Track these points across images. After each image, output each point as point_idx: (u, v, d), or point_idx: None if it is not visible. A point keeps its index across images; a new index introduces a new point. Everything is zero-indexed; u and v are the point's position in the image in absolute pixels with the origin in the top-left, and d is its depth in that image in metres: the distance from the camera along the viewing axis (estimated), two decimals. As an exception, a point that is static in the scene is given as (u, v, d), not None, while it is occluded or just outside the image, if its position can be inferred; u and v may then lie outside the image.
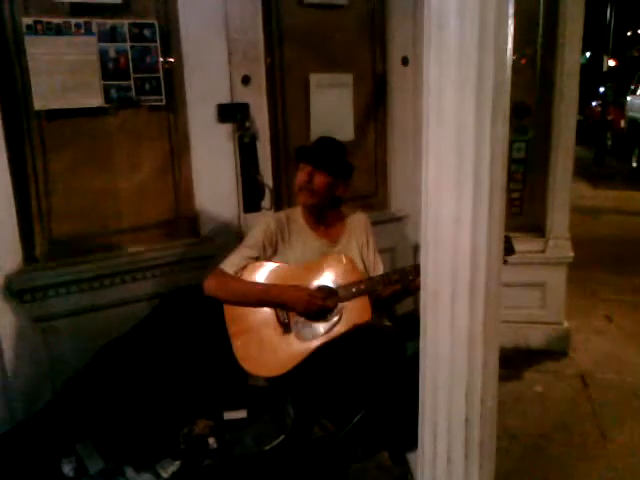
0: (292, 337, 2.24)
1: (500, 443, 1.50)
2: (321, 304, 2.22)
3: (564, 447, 2.51)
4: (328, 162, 2.30)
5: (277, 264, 2.32)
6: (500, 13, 1.19)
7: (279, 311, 2.26)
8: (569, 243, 3.28)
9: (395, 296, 2.40)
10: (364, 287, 2.23)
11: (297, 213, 2.41)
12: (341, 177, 2.34)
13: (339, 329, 2.21)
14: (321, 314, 2.23)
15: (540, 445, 2.52)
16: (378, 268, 2.44)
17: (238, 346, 2.25)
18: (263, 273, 2.30)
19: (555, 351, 3.36)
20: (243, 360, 2.23)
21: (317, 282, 2.27)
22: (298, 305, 2.22)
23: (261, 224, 2.40)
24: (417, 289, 2.25)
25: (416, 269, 2.23)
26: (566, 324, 3.40)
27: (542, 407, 2.84)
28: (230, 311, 2.29)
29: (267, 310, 2.27)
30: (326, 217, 2.41)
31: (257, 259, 2.31)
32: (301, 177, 2.31)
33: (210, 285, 2.29)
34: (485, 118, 1.23)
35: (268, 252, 2.32)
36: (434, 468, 1.46)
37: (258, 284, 2.27)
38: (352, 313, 2.22)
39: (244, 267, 2.28)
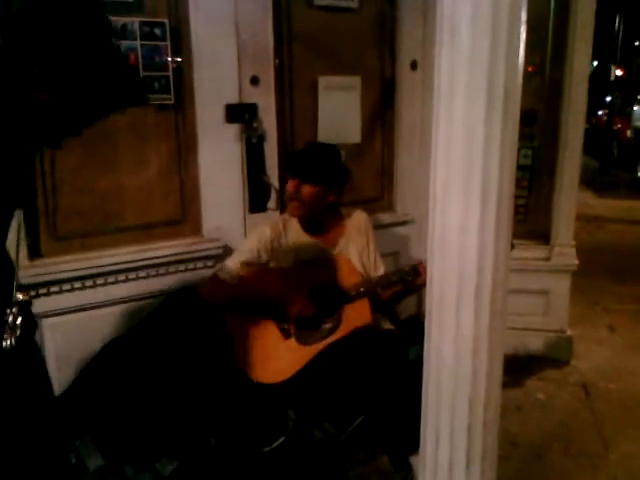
0: (293, 342, 2.23)
1: (501, 450, 1.49)
2: (314, 310, 2.21)
3: (565, 456, 2.50)
4: (315, 173, 2.27)
5: (275, 268, 2.31)
6: (513, 20, 1.18)
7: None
8: (574, 251, 3.28)
9: (396, 296, 2.40)
10: (363, 289, 2.22)
11: (294, 217, 2.40)
12: (332, 185, 2.31)
13: (339, 333, 2.20)
14: (317, 320, 2.22)
15: (541, 453, 2.51)
16: (379, 269, 2.42)
17: (240, 353, 2.25)
18: (261, 278, 2.29)
19: (557, 359, 3.35)
20: (245, 367, 2.23)
21: (315, 286, 2.25)
22: (291, 307, 2.21)
23: (257, 230, 2.40)
24: (419, 288, 2.25)
25: (414, 270, 2.23)
26: (569, 332, 3.40)
27: (544, 415, 2.83)
28: (231, 319, 2.29)
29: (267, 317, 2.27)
30: (323, 220, 2.39)
31: (253, 264, 2.30)
32: (289, 188, 2.29)
33: (203, 292, 2.30)
34: (495, 125, 1.22)
35: (264, 257, 2.32)
36: (435, 475, 1.46)
37: (251, 289, 2.26)
38: (352, 316, 2.21)
39: (242, 272, 2.28)
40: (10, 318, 1.48)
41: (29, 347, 1.60)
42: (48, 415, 1.68)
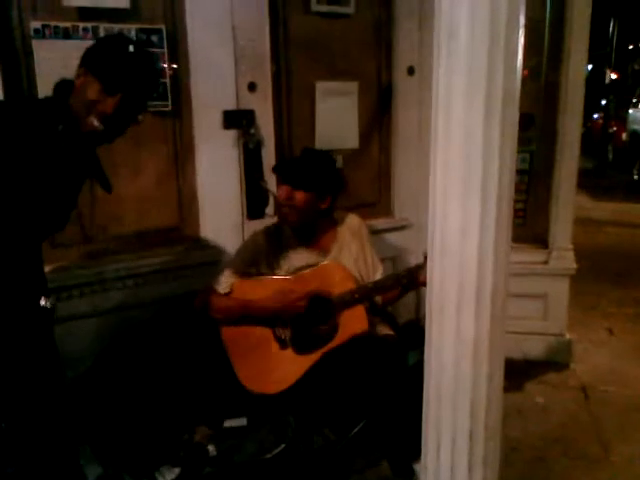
0: (290, 352, 2.23)
1: (501, 455, 1.48)
2: (304, 305, 2.21)
3: (565, 459, 2.49)
4: (306, 180, 2.24)
5: (268, 277, 2.30)
6: (511, 23, 1.19)
7: (277, 328, 2.27)
8: (572, 254, 3.27)
9: (393, 299, 2.40)
10: (358, 296, 2.20)
11: (285, 224, 2.38)
12: (324, 192, 2.28)
13: (336, 341, 2.19)
14: (316, 320, 2.22)
15: (541, 457, 2.50)
16: (377, 272, 2.40)
17: (238, 367, 2.25)
18: (254, 287, 2.28)
19: (556, 363, 3.34)
20: (245, 380, 2.23)
21: (309, 293, 2.25)
22: (284, 307, 2.21)
23: (250, 238, 2.39)
24: (416, 287, 2.26)
25: (409, 273, 2.22)
26: (568, 336, 3.39)
27: (543, 419, 2.82)
28: (227, 333, 2.28)
29: (263, 328, 2.27)
30: (315, 227, 2.37)
31: (247, 274, 2.29)
32: (280, 195, 2.27)
33: (198, 304, 2.30)
34: (494, 128, 1.23)
35: (258, 266, 2.31)
36: (437, 480, 1.45)
37: (241, 300, 2.26)
38: (349, 323, 2.19)
39: (235, 282, 2.27)
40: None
41: (49, 348, 1.77)
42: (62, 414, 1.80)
